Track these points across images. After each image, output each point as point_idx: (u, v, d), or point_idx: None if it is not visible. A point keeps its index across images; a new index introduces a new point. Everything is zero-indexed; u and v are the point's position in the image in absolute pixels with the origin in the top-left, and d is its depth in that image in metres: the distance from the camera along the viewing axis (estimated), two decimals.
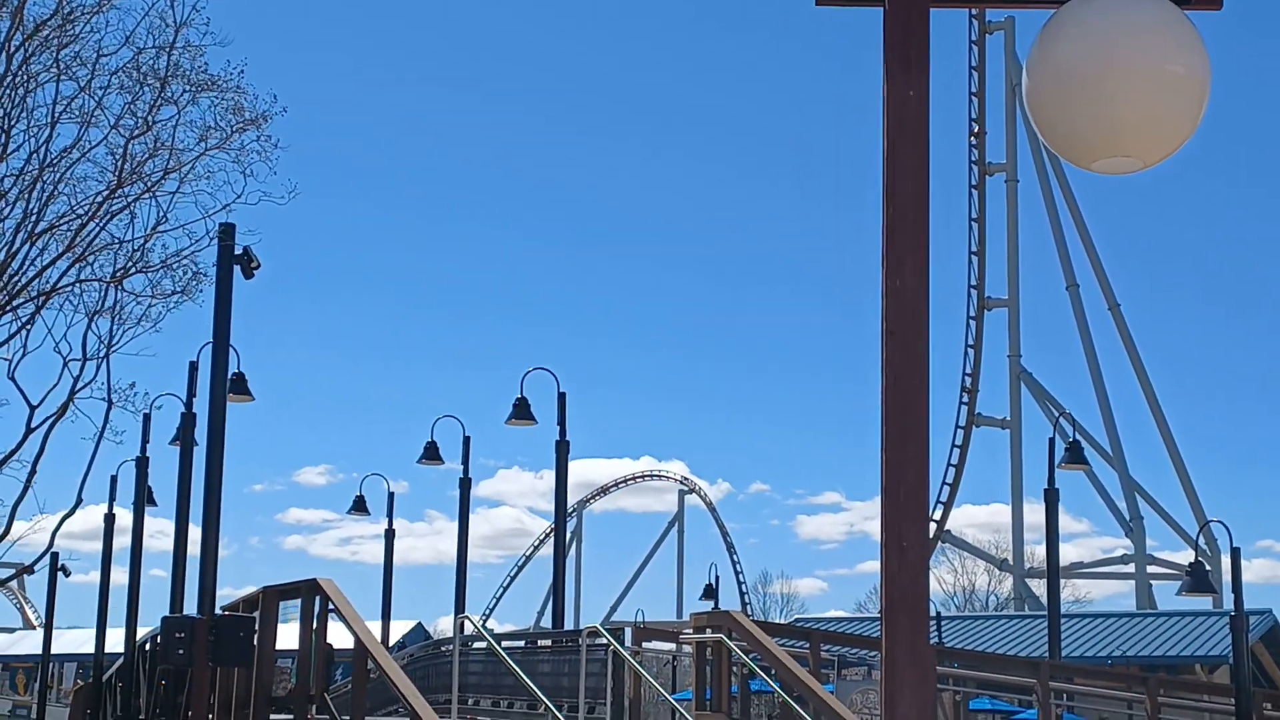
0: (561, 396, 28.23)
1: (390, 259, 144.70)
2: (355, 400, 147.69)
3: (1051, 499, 28.05)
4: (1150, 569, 65.87)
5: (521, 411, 28.53)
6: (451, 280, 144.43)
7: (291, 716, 17.92)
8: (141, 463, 31.96)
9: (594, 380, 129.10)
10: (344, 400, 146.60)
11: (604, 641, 21.40)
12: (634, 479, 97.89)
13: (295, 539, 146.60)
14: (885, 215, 6.24)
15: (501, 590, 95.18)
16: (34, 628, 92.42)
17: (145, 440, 31.51)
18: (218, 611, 19.66)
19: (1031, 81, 5.97)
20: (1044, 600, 70.54)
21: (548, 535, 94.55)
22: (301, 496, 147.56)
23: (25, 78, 25.92)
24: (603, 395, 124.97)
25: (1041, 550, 76.33)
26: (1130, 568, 67.40)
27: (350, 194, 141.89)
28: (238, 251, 19.73)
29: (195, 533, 24.98)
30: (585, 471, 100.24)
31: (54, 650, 44.95)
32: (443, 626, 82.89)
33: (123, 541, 38.59)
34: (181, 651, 18.53)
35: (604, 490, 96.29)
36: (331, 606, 17.73)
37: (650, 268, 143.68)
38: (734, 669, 21.21)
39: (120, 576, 39.75)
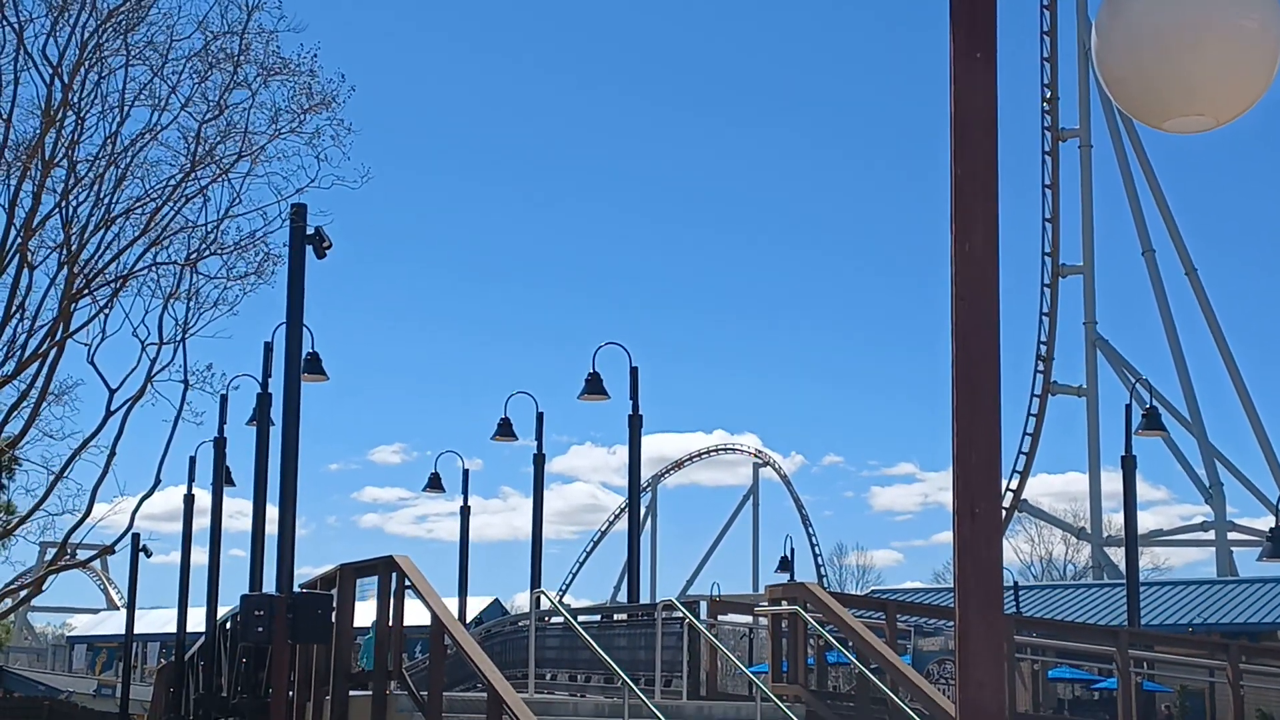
0: (634, 371, 28.15)
1: (461, 234, 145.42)
2: (428, 378, 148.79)
3: (1129, 466, 27.79)
4: (1231, 535, 65.25)
5: (594, 387, 28.49)
6: (521, 254, 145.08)
7: (370, 692, 18.06)
8: (219, 443, 32.21)
9: (665, 353, 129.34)
10: (417, 378, 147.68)
11: (680, 615, 21.41)
12: (708, 453, 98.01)
13: (371, 517, 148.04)
14: (953, 179, 6.18)
15: (577, 565, 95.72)
16: (118, 608, 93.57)
17: (222, 421, 31.81)
18: (296, 589, 19.81)
19: (1101, 40, 5.88)
20: (1122, 568, 70.06)
21: (622, 510, 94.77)
22: (377, 475, 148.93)
23: (98, 61, 26.14)
24: (674, 368, 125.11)
25: (1119, 518, 75.70)
26: (1210, 535, 66.79)
27: (422, 169, 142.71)
28: (309, 232, 19.84)
29: (272, 512, 25.26)
30: (658, 446, 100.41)
31: (137, 630, 45.49)
32: (519, 602, 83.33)
33: (202, 522, 38.97)
34: (261, 629, 18.69)
35: (678, 465, 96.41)
36: (408, 583, 17.83)
37: (722, 239, 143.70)
38: (810, 641, 21.19)
39: (200, 556, 40.16)
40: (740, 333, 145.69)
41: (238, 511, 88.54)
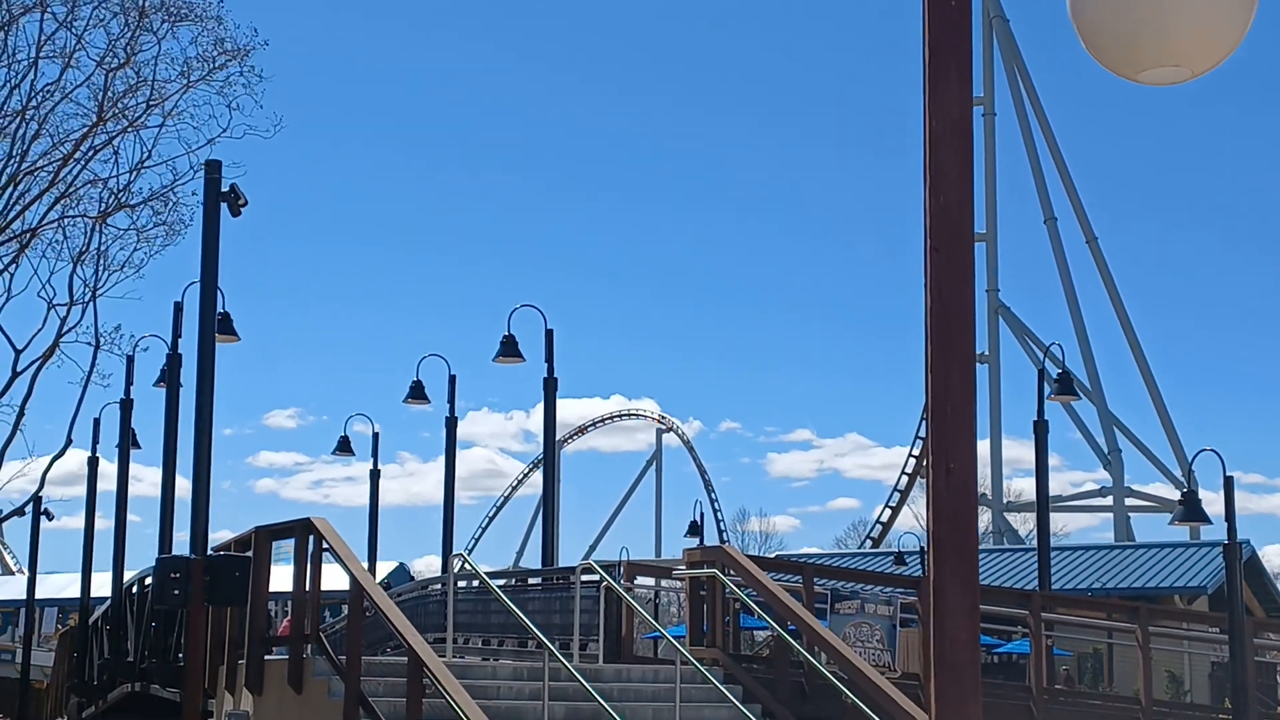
0: (549, 334, 28.00)
1: (367, 202, 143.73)
2: (321, 343, 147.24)
3: (1041, 431, 27.97)
4: (1128, 501, 66.18)
5: (509, 349, 28.22)
6: (415, 222, 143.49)
7: (286, 656, 17.83)
8: (125, 405, 31.68)
9: (560, 319, 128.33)
10: (311, 343, 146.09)
11: (594, 579, 21.32)
12: (611, 418, 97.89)
13: (267, 482, 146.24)
14: (927, 130, 6.09)
15: (480, 531, 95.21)
16: (13, 573, 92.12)
17: (129, 383, 31.20)
18: (210, 552, 19.51)
19: None
20: (1021, 534, 70.93)
21: (526, 475, 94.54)
22: (272, 440, 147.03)
23: (6, 17, 25.54)
24: (570, 334, 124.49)
25: (1018, 484, 76.68)
26: (1107, 500, 67.70)
27: (333, 134, 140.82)
28: (224, 189, 19.44)
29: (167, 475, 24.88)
30: (558, 411, 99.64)
31: (35, 596, 44.79)
32: (420, 567, 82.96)
33: (102, 486, 38.36)
34: (177, 592, 18.39)
35: (581, 430, 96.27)
36: (326, 545, 17.59)
37: (616, 207, 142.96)
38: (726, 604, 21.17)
39: (100, 522, 39.52)
40: (637, 299, 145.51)
41: (134, 477, 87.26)
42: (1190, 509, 24.27)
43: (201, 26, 25.44)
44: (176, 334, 25.86)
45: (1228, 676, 23.85)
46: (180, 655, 21.49)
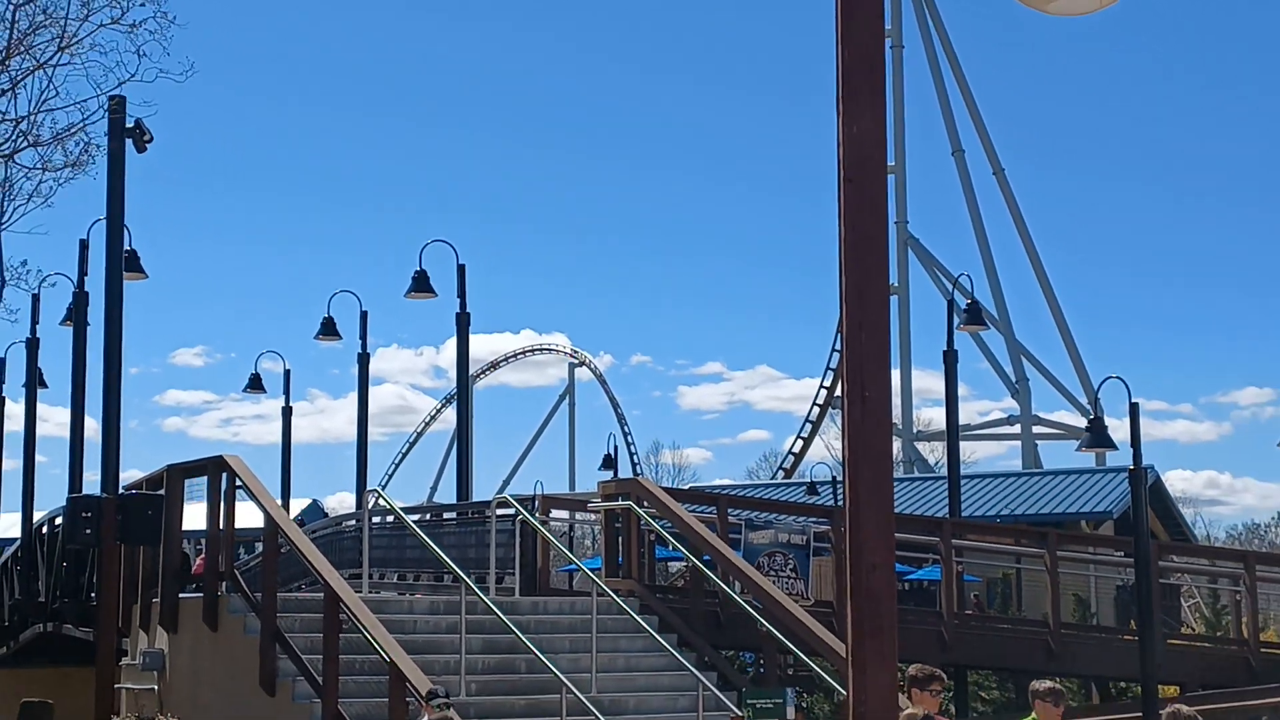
0: (461, 269, 27.98)
1: (279, 146, 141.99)
2: (231, 282, 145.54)
3: (951, 361, 28.29)
4: (1035, 429, 66.98)
5: (421, 284, 28.07)
6: (328, 166, 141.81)
7: (200, 594, 17.79)
8: (31, 345, 31.34)
9: (470, 256, 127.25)
10: (221, 281, 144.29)
11: (509, 512, 21.35)
12: (522, 354, 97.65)
13: (174, 421, 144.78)
14: (840, 61, 6.12)
15: (393, 467, 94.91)
16: None
17: (35, 321, 30.85)
18: (121, 491, 19.36)
19: None
20: (930, 462, 71.67)
21: (438, 411, 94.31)
22: (179, 378, 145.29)
23: None
24: (480, 271, 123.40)
25: (927, 413, 77.42)
26: (1015, 429, 68.48)
27: (243, 79, 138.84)
28: (129, 124, 19.18)
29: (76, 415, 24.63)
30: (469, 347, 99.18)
31: None
32: (333, 504, 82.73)
33: (9, 426, 37.86)
34: (89, 531, 18.27)
35: (493, 365, 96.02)
36: (239, 483, 17.53)
37: (520, 144, 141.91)
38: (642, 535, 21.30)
39: (6, 462, 39.05)
40: (544, 234, 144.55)
41: (41, 417, 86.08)
42: (1096, 435, 24.64)
43: None
44: (83, 272, 25.54)
45: (1133, 599, 24.28)
46: (93, 595, 21.38)
